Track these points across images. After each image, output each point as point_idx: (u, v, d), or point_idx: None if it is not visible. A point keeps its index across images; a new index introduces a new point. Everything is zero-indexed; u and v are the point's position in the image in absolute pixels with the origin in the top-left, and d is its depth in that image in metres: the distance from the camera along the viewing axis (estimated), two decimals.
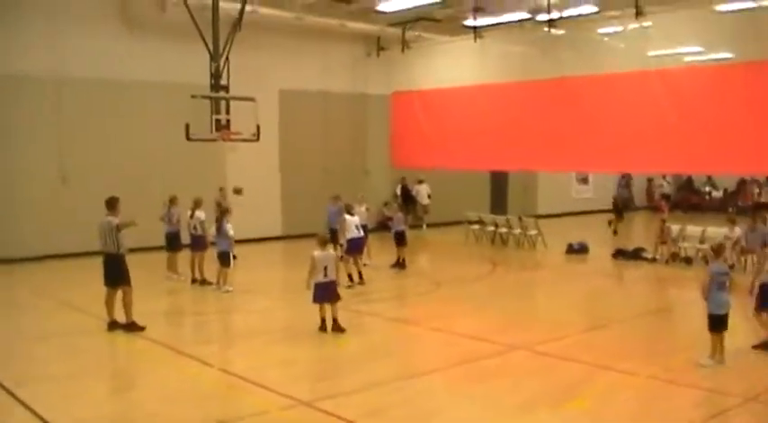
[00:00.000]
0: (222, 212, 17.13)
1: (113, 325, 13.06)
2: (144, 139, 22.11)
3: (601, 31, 21.77)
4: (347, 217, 17.19)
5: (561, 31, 22.28)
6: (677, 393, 9.96)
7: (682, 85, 18.73)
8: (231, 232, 16.78)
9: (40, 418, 8.71)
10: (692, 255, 19.91)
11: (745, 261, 19.03)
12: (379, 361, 11.57)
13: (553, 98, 21.28)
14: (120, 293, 13.09)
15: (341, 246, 17.19)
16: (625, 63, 19.93)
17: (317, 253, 12.85)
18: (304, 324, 13.35)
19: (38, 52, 20.34)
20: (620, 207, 29.39)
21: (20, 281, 18.15)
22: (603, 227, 28.41)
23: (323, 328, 12.94)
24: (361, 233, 17.39)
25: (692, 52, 20.29)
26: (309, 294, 13.08)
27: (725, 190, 35.59)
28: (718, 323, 10.94)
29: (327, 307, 12.96)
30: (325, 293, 12.85)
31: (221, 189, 21.41)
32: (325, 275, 12.79)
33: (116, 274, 12.98)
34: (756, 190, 34.12)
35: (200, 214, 17.49)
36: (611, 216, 28.45)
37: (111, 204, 13.02)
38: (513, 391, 9.96)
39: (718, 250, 11.44)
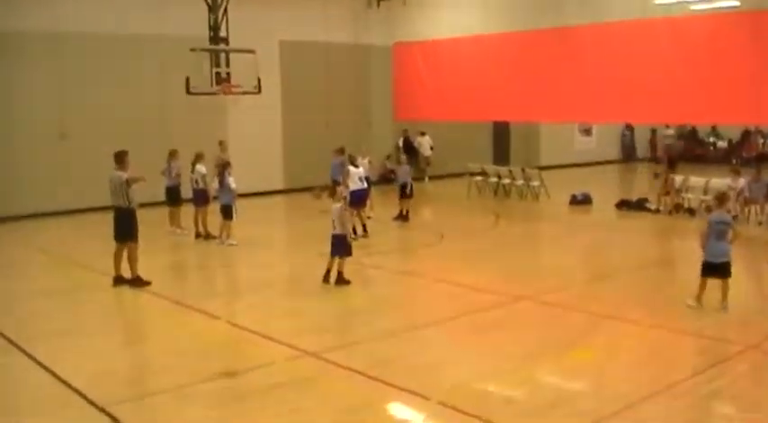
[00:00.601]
0: (224, 166, 17.01)
1: (119, 280, 13.13)
2: (143, 93, 21.95)
3: None
4: (351, 168, 17.19)
5: None
6: (680, 342, 10.11)
7: (687, 34, 18.58)
8: (233, 185, 16.78)
9: (54, 374, 8.80)
10: (695, 206, 19.95)
11: (749, 211, 19.10)
12: (385, 313, 11.68)
13: (556, 48, 21.11)
14: (126, 249, 13.16)
15: (344, 198, 17.20)
16: (630, 11, 19.82)
17: (334, 205, 12.92)
18: (308, 276, 13.42)
19: (35, 9, 20.12)
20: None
21: (22, 238, 18.16)
22: (607, 177, 28.31)
23: (326, 279, 12.95)
24: (365, 185, 17.43)
25: (697, 0, 20.18)
26: (316, 246, 13.15)
27: (729, 141, 35.48)
28: (709, 270, 11.08)
29: (336, 259, 12.99)
30: (334, 246, 12.89)
31: (221, 143, 21.36)
32: (333, 228, 12.87)
33: (126, 228, 13.00)
34: (761, 140, 34.02)
35: (200, 168, 17.45)
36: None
37: (120, 158, 12.98)
38: (518, 341, 10.07)
39: (721, 199, 11.58)
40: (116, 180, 12.88)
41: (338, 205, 13.12)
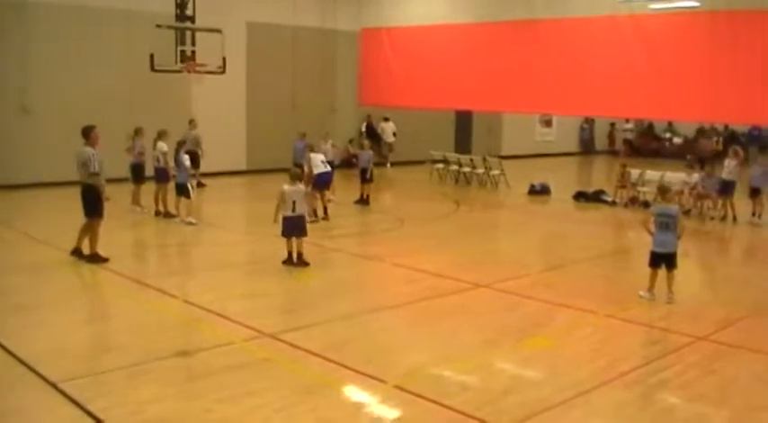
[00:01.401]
0: (179, 144, 16.89)
1: (76, 252, 12.93)
2: (108, 68, 21.60)
3: None
4: (311, 154, 17.09)
5: None
6: (633, 331, 10.15)
7: (649, 32, 18.67)
8: (187, 163, 16.71)
9: (7, 350, 8.60)
10: (650, 199, 20.07)
11: (701, 206, 19.28)
12: (343, 295, 11.59)
13: (521, 40, 21.14)
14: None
15: (308, 177, 17.06)
16: (595, 7, 19.84)
17: (286, 187, 12.82)
18: (268, 258, 13.33)
19: None
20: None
21: None
22: (565, 168, 28.46)
23: (288, 261, 12.93)
24: (328, 168, 17.31)
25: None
26: (274, 228, 13.07)
27: (684, 137, 35.84)
28: (655, 259, 11.24)
29: (294, 241, 12.94)
30: (293, 228, 12.85)
31: (191, 121, 21.26)
32: (294, 210, 12.77)
33: (92, 204, 12.76)
34: (715, 138, 34.37)
35: (162, 146, 17.24)
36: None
37: (87, 133, 12.74)
38: (474, 327, 10.03)
39: (664, 191, 11.84)
40: (82, 156, 12.62)
41: (301, 187, 13.11)
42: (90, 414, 6.94)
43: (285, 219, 12.84)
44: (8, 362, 8.33)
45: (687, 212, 17.71)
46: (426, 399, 7.43)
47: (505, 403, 7.40)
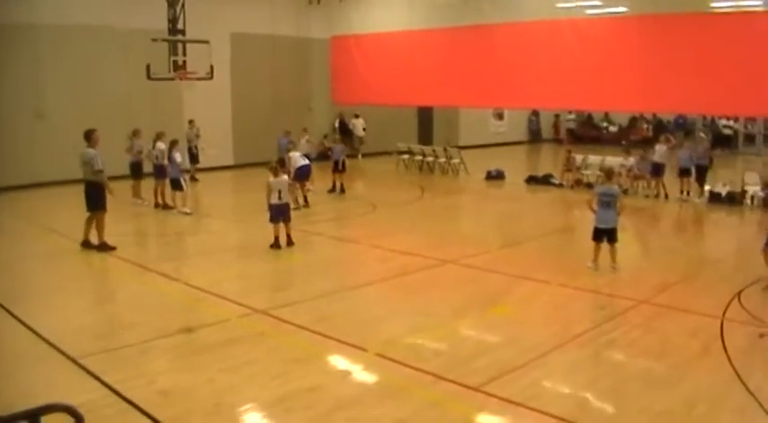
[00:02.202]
0: (171, 144, 16.81)
1: (86, 244, 12.83)
2: (109, 79, 21.37)
3: None
4: (290, 154, 16.96)
5: None
6: (583, 298, 10.22)
7: (586, 33, 18.75)
8: (179, 160, 16.71)
9: (32, 330, 8.56)
10: (593, 181, 20.17)
11: (637, 185, 19.47)
12: (325, 274, 11.58)
13: (474, 43, 21.13)
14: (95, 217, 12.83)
15: (289, 173, 16.97)
16: (536, 13, 19.93)
17: (271, 179, 12.81)
18: (257, 242, 13.27)
19: (14, 4, 19.40)
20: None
21: (2, 207, 17.57)
22: (517, 156, 28.53)
23: (275, 245, 12.91)
24: (307, 161, 17.22)
25: (593, 5, 20.42)
26: (261, 216, 13.04)
27: (619, 126, 36.10)
28: (598, 234, 11.39)
29: (281, 226, 12.94)
30: (279, 213, 12.86)
31: (190, 121, 21.24)
32: (279, 198, 12.77)
33: (94, 199, 12.68)
34: (645, 126, 34.68)
35: (160, 145, 17.10)
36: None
37: (88, 136, 12.67)
38: (444, 299, 10.05)
39: (608, 173, 11.98)
40: (85, 156, 12.55)
41: (285, 177, 13.16)
42: (107, 385, 6.90)
43: (272, 206, 12.84)
44: (34, 340, 8.29)
45: (624, 192, 17.80)
46: (404, 364, 7.45)
47: (475, 366, 7.42)
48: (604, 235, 11.33)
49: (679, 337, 8.37)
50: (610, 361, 7.83)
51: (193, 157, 21.77)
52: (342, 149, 19.87)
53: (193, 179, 21.10)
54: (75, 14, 20.57)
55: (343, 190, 19.51)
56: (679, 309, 9.46)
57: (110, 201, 12.89)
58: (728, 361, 7.59)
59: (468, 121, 32.81)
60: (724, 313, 9.18)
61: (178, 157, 16.62)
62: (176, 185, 16.54)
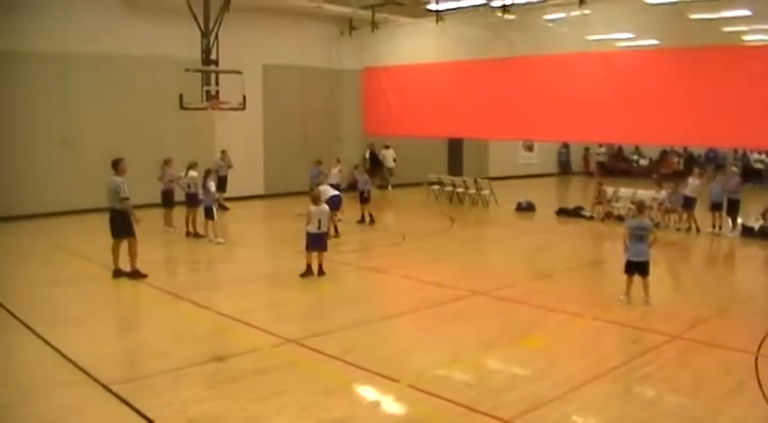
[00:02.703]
0: (206, 172, 16.98)
1: (118, 272, 12.93)
2: (141, 107, 21.64)
3: (547, 17, 21.73)
4: (320, 188, 17.00)
5: (512, 16, 22.17)
6: (616, 331, 10.13)
7: (616, 66, 18.76)
8: (213, 189, 16.83)
9: (64, 355, 8.64)
10: (624, 213, 20.05)
11: (669, 219, 19.30)
12: (356, 305, 11.56)
13: (504, 75, 21.24)
14: (125, 244, 12.94)
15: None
16: (567, 45, 19.95)
17: (312, 208, 12.93)
18: (287, 272, 13.31)
19: (46, 32, 19.76)
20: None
21: (34, 234, 17.80)
22: (547, 188, 28.46)
23: (307, 273, 12.97)
24: (337, 192, 17.28)
25: (624, 38, 20.39)
26: (292, 245, 13.10)
27: (650, 159, 35.92)
28: (631, 267, 11.32)
29: (315, 255, 12.99)
30: (317, 243, 12.94)
31: (223, 152, 21.43)
32: (319, 227, 12.86)
33: (119, 227, 12.82)
34: (676, 159, 34.48)
35: (192, 174, 17.36)
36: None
37: (116, 165, 12.83)
38: (475, 330, 10.01)
39: (641, 207, 11.97)
40: (112, 184, 12.69)
41: (326, 207, 13.27)
42: (139, 412, 6.94)
43: (310, 235, 12.89)
44: (65, 365, 8.36)
45: (656, 225, 17.67)
46: (436, 396, 7.42)
47: (507, 398, 7.37)
48: (636, 268, 11.24)
49: (713, 373, 8.26)
50: (643, 396, 7.74)
51: (221, 186, 21.95)
52: (366, 180, 19.91)
53: (222, 207, 21.24)
54: (106, 43, 20.88)
55: (372, 220, 19.52)
56: (713, 344, 9.35)
57: (140, 229, 13.00)
58: (764, 397, 7.48)
59: (497, 153, 32.85)
60: (759, 349, 9.06)
61: (212, 186, 16.77)
62: (209, 214, 16.66)
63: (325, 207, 13.30)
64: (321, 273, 13.05)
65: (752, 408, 7.28)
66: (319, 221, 12.86)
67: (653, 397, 7.71)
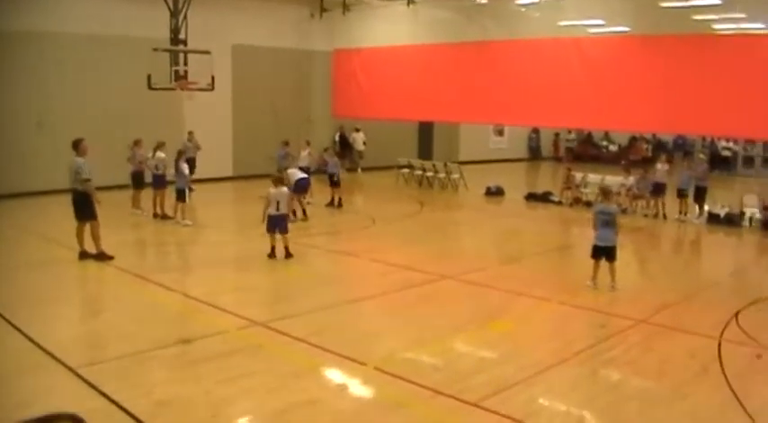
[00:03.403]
0: (179, 153, 16.83)
1: (83, 254, 12.78)
2: (111, 88, 21.37)
3: (519, 2, 21.78)
4: (288, 171, 16.92)
5: (484, 1, 22.23)
6: (583, 316, 10.23)
7: (587, 52, 18.83)
8: (186, 171, 16.67)
9: (30, 339, 8.54)
10: (592, 199, 20.24)
11: (637, 205, 19.51)
12: (324, 287, 11.57)
13: (475, 59, 21.22)
14: (88, 227, 12.80)
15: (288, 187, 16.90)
16: (539, 30, 20.03)
17: (271, 190, 12.91)
18: (255, 254, 13.28)
19: (17, 12, 19.46)
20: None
21: (1, 215, 17.53)
22: (517, 172, 28.61)
23: (272, 255, 13.00)
24: (305, 175, 17.23)
25: (596, 24, 20.52)
26: (259, 227, 13.09)
27: (619, 145, 36.22)
28: (597, 252, 11.40)
29: (278, 237, 13.02)
30: (276, 225, 12.96)
31: (190, 133, 21.26)
32: (278, 209, 12.85)
33: (82, 209, 12.64)
34: (645, 146, 34.81)
35: (160, 154, 17.18)
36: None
37: (76, 145, 12.62)
38: (443, 314, 10.06)
39: (606, 193, 12.03)
40: (74, 165, 12.51)
41: (285, 190, 13.23)
42: (105, 395, 6.88)
43: (270, 217, 12.92)
44: (31, 348, 8.27)
45: (623, 211, 17.89)
46: (403, 379, 7.45)
47: (473, 381, 7.43)
48: (603, 253, 11.35)
49: (678, 357, 8.39)
50: (608, 379, 7.85)
51: (191, 167, 21.75)
52: (336, 163, 19.85)
53: (190, 189, 21.05)
54: (77, 23, 20.65)
55: (340, 204, 19.48)
56: (678, 329, 9.49)
57: (107, 211, 12.88)
58: (727, 382, 7.60)
59: (468, 137, 32.89)
60: (722, 334, 9.20)
61: (185, 168, 16.64)
62: (181, 196, 16.51)
63: (285, 189, 13.30)
64: (288, 255, 13.06)
65: (715, 391, 7.40)
66: (278, 203, 12.88)
67: (618, 380, 7.81)
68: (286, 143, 20.32)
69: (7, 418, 3.15)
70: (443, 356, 8.32)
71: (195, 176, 21.54)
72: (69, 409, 3.62)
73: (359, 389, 7.44)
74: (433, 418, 6.69)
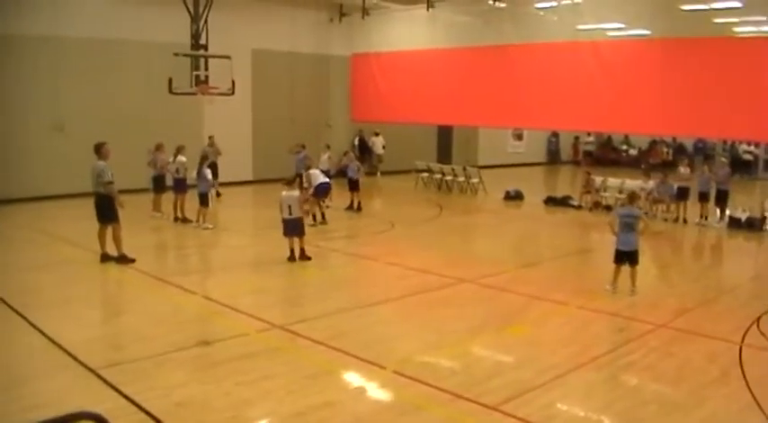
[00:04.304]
0: (202, 158, 16.93)
1: (105, 257, 12.91)
2: (131, 92, 21.61)
3: (537, 5, 21.72)
4: (309, 171, 17.02)
5: (503, 4, 22.18)
6: (602, 320, 10.18)
7: (606, 56, 18.82)
8: (209, 176, 16.72)
9: (51, 340, 8.64)
10: (612, 203, 20.17)
11: (657, 209, 19.40)
12: (342, 291, 11.62)
13: (494, 63, 21.28)
14: (110, 229, 12.91)
15: (305, 189, 16.95)
16: (557, 34, 19.96)
17: (283, 193, 13.06)
18: (274, 257, 13.35)
19: (37, 16, 19.72)
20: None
21: (22, 218, 17.70)
22: (536, 176, 28.53)
23: (291, 258, 13.09)
24: (327, 179, 17.30)
25: (614, 28, 20.41)
26: (280, 231, 13.18)
27: (639, 149, 36.03)
28: (619, 257, 11.34)
29: (295, 240, 13.06)
30: (291, 228, 13.05)
31: (210, 137, 21.31)
32: (290, 213, 12.91)
33: (104, 212, 12.78)
34: (665, 149, 34.62)
35: (181, 158, 17.31)
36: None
37: (98, 149, 12.75)
38: (461, 317, 10.06)
39: (632, 197, 11.96)
40: (96, 169, 12.64)
41: (296, 193, 13.33)
42: (125, 396, 6.95)
43: (284, 221, 13.04)
44: (51, 349, 8.37)
45: (644, 215, 17.77)
46: (421, 382, 7.46)
47: (491, 385, 7.43)
48: (625, 257, 11.29)
49: (697, 362, 8.34)
50: (627, 384, 7.80)
51: (214, 172, 21.85)
52: (356, 167, 19.91)
53: (218, 194, 21.14)
54: (97, 27, 20.85)
55: (359, 208, 19.52)
56: (698, 333, 9.44)
57: (128, 214, 13.01)
58: (747, 387, 7.55)
59: (487, 141, 32.89)
60: (743, 339, 9.15)
61: (209, 173, 16.73)
62: (203, 201, 16.60)
63: (295, 192, 13.34)
64: (303, 257, 13.12)
65: (735, 396, 7.35)
66: (290, 207, 12.94)
67: (636, 385, 7.76)
68: (302, 146, 20.38)
69: (29, 418, 3.17)
70: (461, 360, 8.31)
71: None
72: (90, 409, 3.64)
73: (377, 392, 7.45)
74: (452, 421, 6.69)
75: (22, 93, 19.85)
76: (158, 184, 17.93)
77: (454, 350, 8.61)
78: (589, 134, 36.13)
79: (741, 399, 7.29)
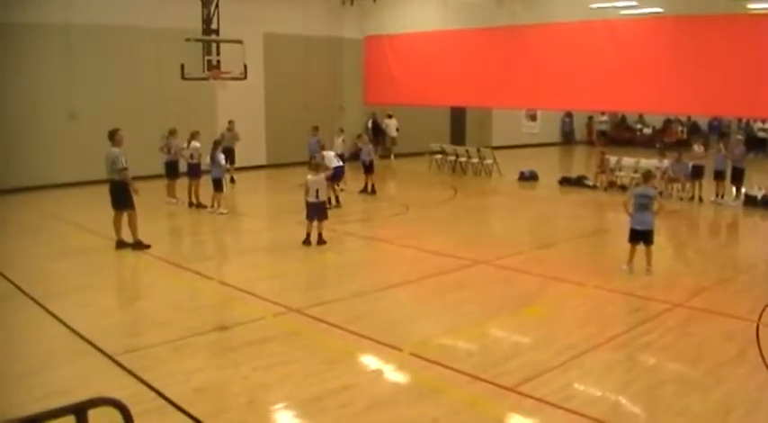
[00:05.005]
0: (215, 144, 16.91)
1: (121, 243, 12.94)
2: (144, 79, 21.58)
3: None
4: (324, 153, 16.99)
5: None
6: (618, 300, 10.16)
7: (619, 34, 18.65)
8: (222, 161, 16.70)
9: (69, 327, 8.69)
10: (627, 183, 20.04)
11: (672, 188, 19.28)
12: (358, 274, 11.62)
13: (507, 44, 21.13)
14: (125, 216, 12.96)
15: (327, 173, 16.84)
16: (570, 14, 19.81)
17: (310, 177, 13.03)
18: (290, 242, 13.36)
19: (49, 4, 19.70)
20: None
21: (37, 206, 17.77)
22: (550, 157, 28.37)
23: (307, 242, 13.09)
24: (341, 163, 17.28)
25: (627, 6, 20.25)
26: (295, 215, 13.15)
27: (653, 128, 35.76)
28: (634, 236, 11.28)
29: (314, 224, 13.07)
30: (315, 211, 13.02)
31: (230, 122, 21.23)
32: (317, 197, 12.91)
33: (119, 198, 12.80)
34: (680, 128, 34.34)
35: (195, 144, 17.29)
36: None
37: (112, 136, 12.75)
38: (477, 299, 10.05)
39: (647, 176, 11.85)
40: (110, 156, 12.64)
41: (322, 176, 13.25)
42: (144, 382, 6.99)
43: (309, 204, 13.01)
44: (69, 336, 8.42)
45: (659, 194, 17.67)
46: (438, 364, 7.47)
47: (509, 366, 7.42)
48: (641, 237, 11.23)
49: (714, 341, 8.31)
50: (644, 364, 7.77)
51: (230, 158, 21.82)
52: (370, 150, 19.84)
53: (232, 181, 21.09)
54: (109, 14, 20.78)
55: (374, 190, 19.50)
56: (714, 312, 9.39)
57: (142, 200, 13.01)
58: (765, 365, 7.53)
59: (500, 122, 32.70)
60: (760, 317, 9.10)
61: (222, 158, 16.71)
62: (218, 186, 16.60)
63: (322, 176, 13.31)
64: (322, 242, 13.14)
65: (752, 375, 7.32)
66: (317, 191, 12.94)
67: (654, 365, 7.74)
68: (316, 128, 20.32)
69: (48, 405, 3.17)
70: (478, 341, 8.30)
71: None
72: (109, 395, 3.65)
73: (394, 374, 7.45)
74: (469, 403, 6.68)
75: (35, 81, 19.84)
76: (172, 170, 17.90)
77: (471, 332, 8.60)
78: (603, 114, 35.88)
79: (759, 377, 7.26)
